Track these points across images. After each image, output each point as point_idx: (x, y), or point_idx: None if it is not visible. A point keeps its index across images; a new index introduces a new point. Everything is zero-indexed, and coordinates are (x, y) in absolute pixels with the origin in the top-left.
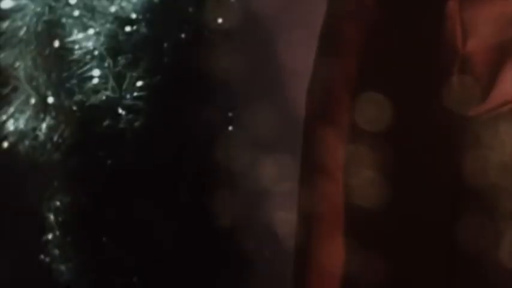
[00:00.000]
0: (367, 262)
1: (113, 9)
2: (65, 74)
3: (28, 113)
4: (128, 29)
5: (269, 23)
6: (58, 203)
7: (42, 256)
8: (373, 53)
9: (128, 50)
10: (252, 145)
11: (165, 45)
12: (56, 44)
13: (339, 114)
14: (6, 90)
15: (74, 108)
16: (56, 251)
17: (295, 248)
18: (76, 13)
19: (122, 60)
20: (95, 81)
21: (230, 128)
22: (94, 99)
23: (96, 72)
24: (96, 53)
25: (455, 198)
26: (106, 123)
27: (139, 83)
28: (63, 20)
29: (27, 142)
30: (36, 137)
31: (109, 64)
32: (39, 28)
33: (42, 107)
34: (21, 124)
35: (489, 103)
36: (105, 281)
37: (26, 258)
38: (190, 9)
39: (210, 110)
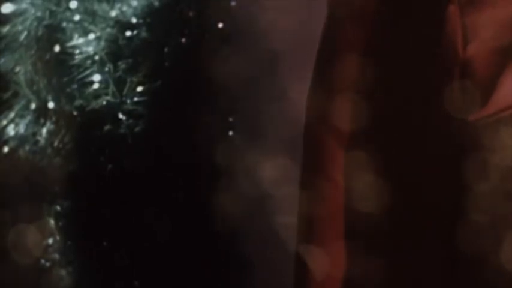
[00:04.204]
0: (367, 265)
1: (113, 13)
2: (65, 79)
3: (28, 117)
4: (128, 33)
5: (269, 27)
6: (58, 208)
7: (43, 260)
8: (374, 56)
9: (128, 54)
10: (252, 149)
11: (166, 49)
12: (57, 48)
13: (340, 118)
14: (6, 95)
15: (75, 113)
16: (57, 255)
17: (296, 251)
18: (76, 18)
19: (122, 65)
20: (96, 86)
21: (231, 132)
22: (94, 104)
23: (96, 77)
24: (96, 57)
25: (456, 202)
26: (106, 128)
27: (139, 88)
28: (64, 24)
29: (27, 147)
30: (36, 141)
31: (109, 69)
32: (40, 33)
33: (43, 112)
34: (22, 129)
35: (490, 108)
36: (105, 285)
37: (26, 262)
38: (191, 14)
39: (210, 114)
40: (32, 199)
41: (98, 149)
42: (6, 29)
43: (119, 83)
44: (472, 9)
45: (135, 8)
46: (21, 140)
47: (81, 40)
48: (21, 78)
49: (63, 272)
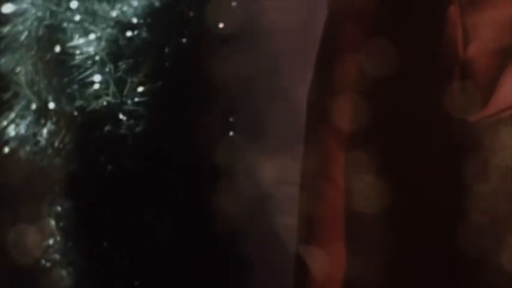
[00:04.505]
0: (367, 266)
1: (114, 14)
2: (66, 79)
3: (29, 118)
4: (129, 33)
5: (270, 27)
6: (59, 208)
7: (43, 261)
8: (374, 56)
9: (129, 55)
10: (252, 149)
11: (166, 50)
12: (57, 49)
13: (340, 118)
14: (7, 96)
15: (75, 113)
16: (57, 256)
17: (296, 252)
18: (77, 18)
19: (123, 65)
20: (96, 86)
21: (231, 132)
22: (95, 105)
23: (97, 77)
24: (97, 58)
25: (456, 202)
26: (107, 128)
27: (140, 89)
28: (64, 24)
29: (28, 147)
30: (37, 142)
31: (110, 69)
32: (40, 33)
33: (43, 113)
34: (22, 129)
35: (490, 108)
36: (106, 285)
37: (27, 262)
38: (192, 14)
39: (211, 114)
40: (32, 199)
41: (98, 149)
42: (6, 29)
43: (120, 83)
44: (473, 9)
45: (135, 8)
46: (21, 140)
47: (81, 40)
48: (22, 78)
49: (63, 273)
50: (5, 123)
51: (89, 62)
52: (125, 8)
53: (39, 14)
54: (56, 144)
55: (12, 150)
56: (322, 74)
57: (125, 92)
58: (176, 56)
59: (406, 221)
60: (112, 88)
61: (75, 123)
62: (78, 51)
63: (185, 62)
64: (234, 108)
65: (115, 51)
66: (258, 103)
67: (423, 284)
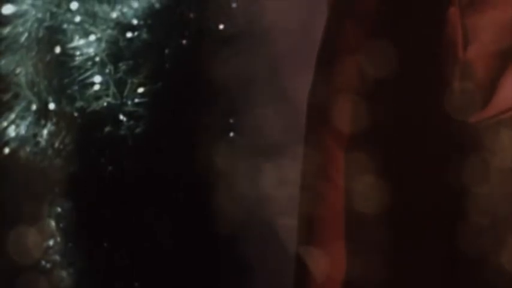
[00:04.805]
0: (367, 267)
1: (114, 15)
2: (66, 80)
3: (29, 119)
4: (129, 35)
5: (270, 28)
6: (59, 209)
7: (43, 262)
8: (375, 57)
9: (129, 56)
10: (252, 150)
11: (166, 51)
12: (57, 50)
13: (340, 119)
14: (7, 97)
15: (75, 114)
16: (57, 257)
17: (296, 252)
18: (77, 19)
19: (123, 66)
20: (96, 87)
21: (231, 133)
22: (95, 106)
23: (97, 78)
24: (97, 59)
25: (456, 202)
26: (107, 129)
27: (140, 90)
28: (65, 26)
29: (28, 148)
30: (37, 143)
31: (110, 70)
32: (41, 34)
33: (44, 113)
34: (23, 130)
35: (490, 110)
36: (106, 286)
37: (27, 263)
38: (192, 15)
39: (211, 115)
40: (32, 200)
41: (98, 150)
42: (7, 30)
43: (120, 84)
44: (473, 11)
45: (135, 10)
46: (22, 141)
47: (81, 41)
48: (22, 79)
49: (63, 273)
50: (5, 124)
51: (89, 63)
52: (125, 9)
53: (40, 15)
54: (56, 145)
55: (12, 151)
56: (323, 75)
57: (125, 93)
58: (176, 57)
59: (406, 221)
60: (112, 89)
61: (76, 124)
62: (78, 53)
63: (185, 63)
64: (234, 109)
65: (115, 53)
66: (258, 104)
67: (423, 284)
